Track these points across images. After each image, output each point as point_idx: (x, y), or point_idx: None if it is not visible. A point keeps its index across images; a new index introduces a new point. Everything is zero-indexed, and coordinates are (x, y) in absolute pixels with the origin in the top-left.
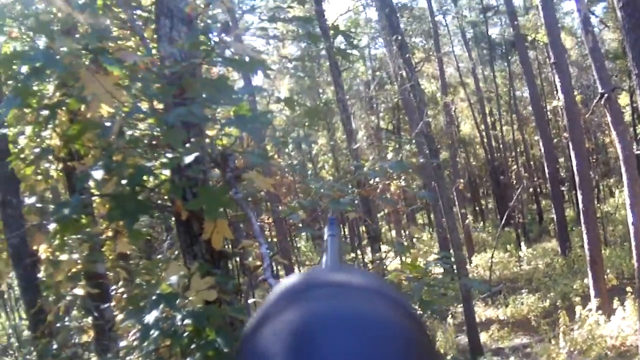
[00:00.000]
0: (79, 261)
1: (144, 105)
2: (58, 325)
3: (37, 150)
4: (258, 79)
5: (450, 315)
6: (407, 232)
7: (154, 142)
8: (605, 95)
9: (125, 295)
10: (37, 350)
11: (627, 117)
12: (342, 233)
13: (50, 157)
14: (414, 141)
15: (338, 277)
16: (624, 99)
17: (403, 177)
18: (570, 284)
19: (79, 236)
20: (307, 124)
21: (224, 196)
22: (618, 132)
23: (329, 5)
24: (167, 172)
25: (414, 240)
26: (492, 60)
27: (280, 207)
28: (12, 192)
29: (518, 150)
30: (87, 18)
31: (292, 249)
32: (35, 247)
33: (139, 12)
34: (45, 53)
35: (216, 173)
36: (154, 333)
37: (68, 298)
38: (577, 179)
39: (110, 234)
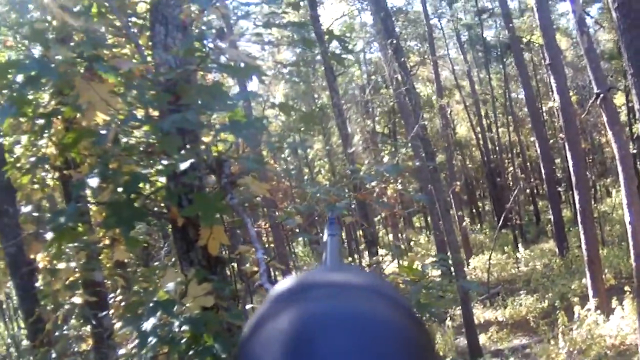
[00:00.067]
0: (76, 269)
1: (140, 113)
2: (57, 334)
3: (33, 159)
4: (253, 85)
5: (448, 318)
6: (404, 236)
7: (149, 150)
8: (601, 95)
9: (123, 303)
10: (36, 359)
11: (623, 117)
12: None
13: (47, 166)
14: (410, 144)
15: (337, 277)
16: (619, 99)
17: (399, 181)
18: (568, 285)
19: (76, 244)
20: (302, 129)
21: (220, 202)
22: (614, 132)
23: (324, 10)
24: (162, 179)
25: (412, 243)
26: (487, 62)
27: (277, 213)
28: (8, 201)
29: (514, 151)
30: (82, 25)
31: (290, 254)
32: (32, 256)
33: (133, 19)
34: (40, 62)
35: (212, 179)
36: (152, 340)
37: (66, 306)
38: (573, 179)
39: (107, 241)
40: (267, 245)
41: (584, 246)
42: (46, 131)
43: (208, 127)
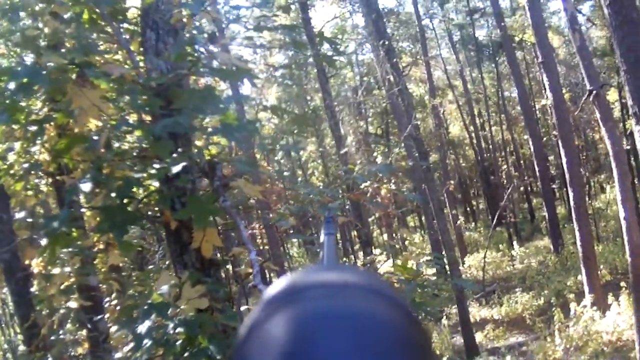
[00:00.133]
0: (71, 274)
1: (132, 118)
2: (52, 338)
3: (26, 165)
4: (246, 88)
5: (444, 316)
6: (398, 235)
7: (142, 154)
8: (594, 92)
9: (118, 307)
10: None
11: (616, 113)
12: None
13: (40, 172)
14: (403, 144)
15: (334, 276)
16: (612, 96)
17: (393, 181)
18: (564, 281)
19: (70, 249)
20: (295, 131)
21: (212, 205)
22: (607, 128)
23: (316, 12)
24: (155, 183)
25: (406, 242)
26: (479, 61)
27: (270, 215)
28: (2, 208)
29: (508, 150)
30: (74, 32)
31: (284, 255)
32: (27, 262)
33: (125, 25)
34: (32, 69)
35: (204, 182)
36: (147, 342)
37: (62, 311)
38: (567, 176)
39: (101, 246)
40: (261, 247)
41: (579, 243)
42: (39, 138)
43: (200, 130)
